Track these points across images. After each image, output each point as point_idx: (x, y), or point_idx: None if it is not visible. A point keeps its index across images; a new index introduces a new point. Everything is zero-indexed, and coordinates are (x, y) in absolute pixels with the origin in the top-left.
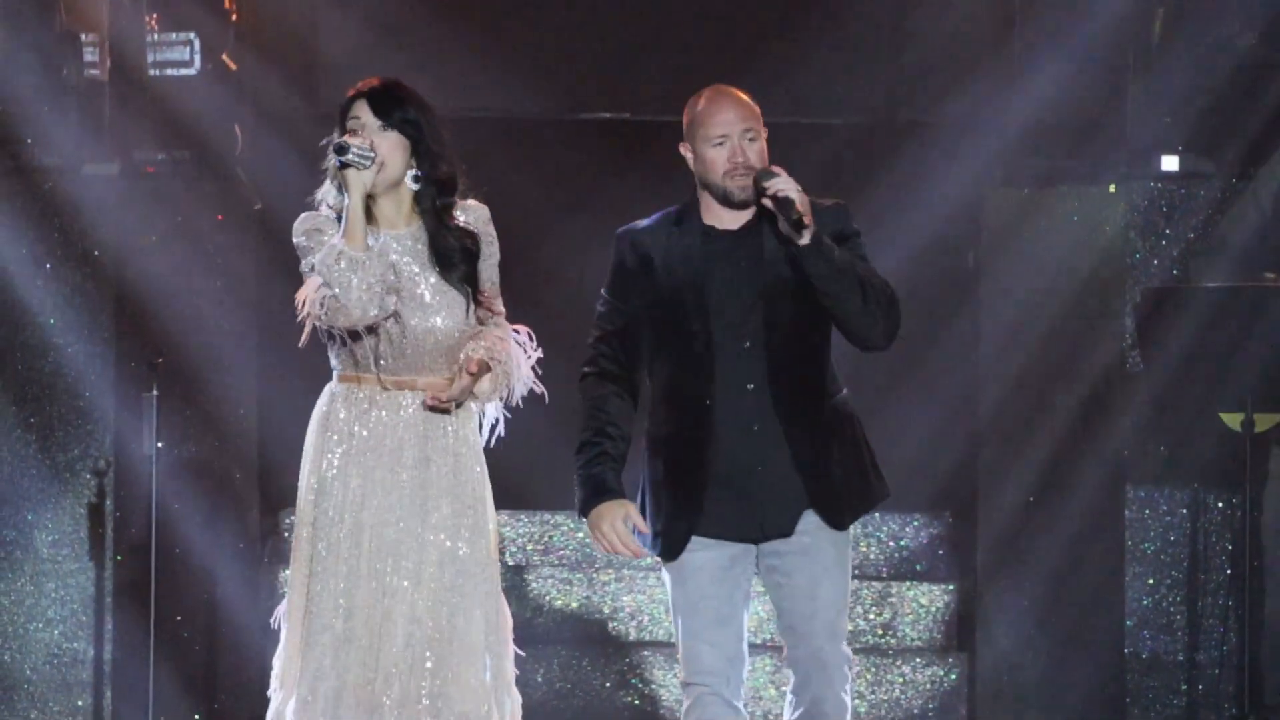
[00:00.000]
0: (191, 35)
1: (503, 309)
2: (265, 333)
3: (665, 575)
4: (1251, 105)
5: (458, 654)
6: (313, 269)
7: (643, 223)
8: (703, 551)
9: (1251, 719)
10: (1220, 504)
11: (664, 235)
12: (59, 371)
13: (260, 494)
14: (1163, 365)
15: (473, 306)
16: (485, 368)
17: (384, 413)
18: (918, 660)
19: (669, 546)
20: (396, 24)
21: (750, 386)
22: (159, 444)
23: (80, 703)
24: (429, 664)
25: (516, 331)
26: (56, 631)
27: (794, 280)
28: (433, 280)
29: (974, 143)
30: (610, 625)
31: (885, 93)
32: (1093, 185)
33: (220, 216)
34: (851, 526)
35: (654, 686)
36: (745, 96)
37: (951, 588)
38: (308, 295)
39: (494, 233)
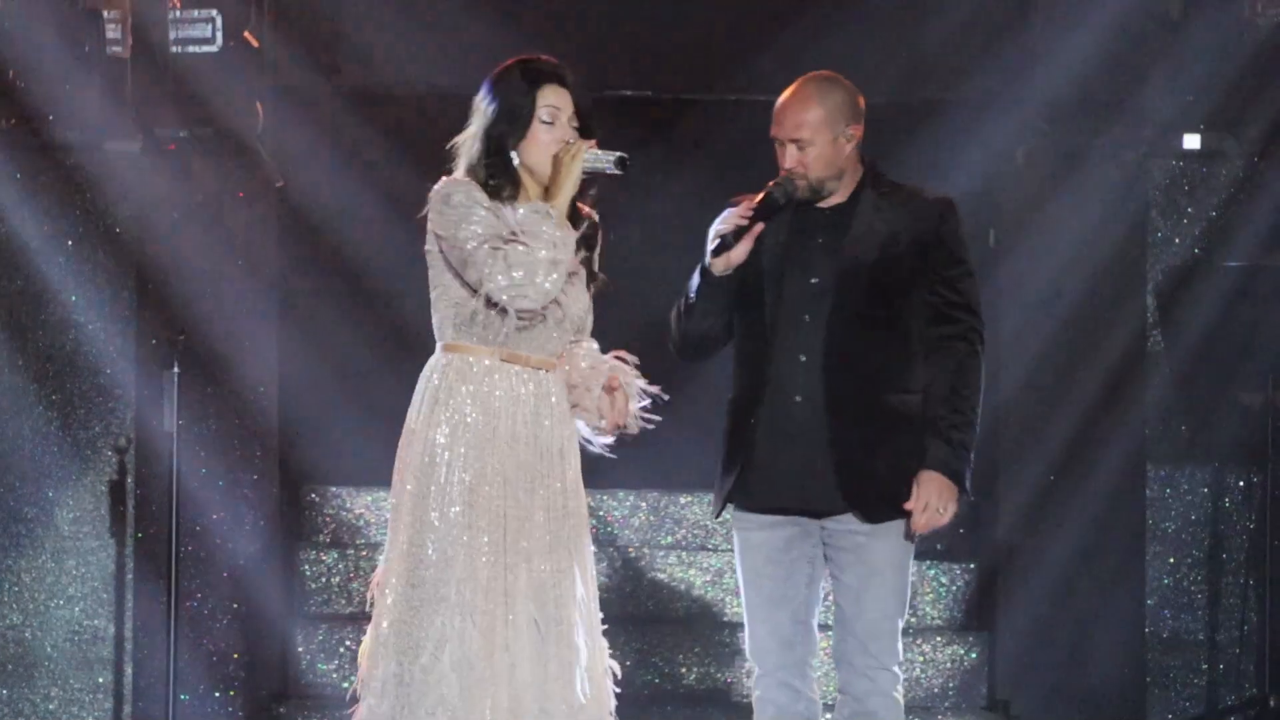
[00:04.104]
0: (214, 12)
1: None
2: (286, 309)
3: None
4: (1273, 83)
5: (561, 639)
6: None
7: None
8: (759, 532)
9: (1272, 698)
10: (1241, 483)
11: None
12: (80, 348)
13: (281, 471)
14: (1184, 344)
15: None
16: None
17: (499, 388)
18: (938, 639)
19: (718, 503)
20: (419, 1)
21: (802, 359)
22: (180, 421)
23: (101, 680)
24: (540, 646)
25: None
26: (77, 609)
27: (875, 267)
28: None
29: (994, 121)
30: (631, 603)
31: (905, 70)
32: (1114, 163)
33: (242, 194)
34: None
35: (675, 665)
36: (810, 100)
37: (972, 566)
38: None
39: None
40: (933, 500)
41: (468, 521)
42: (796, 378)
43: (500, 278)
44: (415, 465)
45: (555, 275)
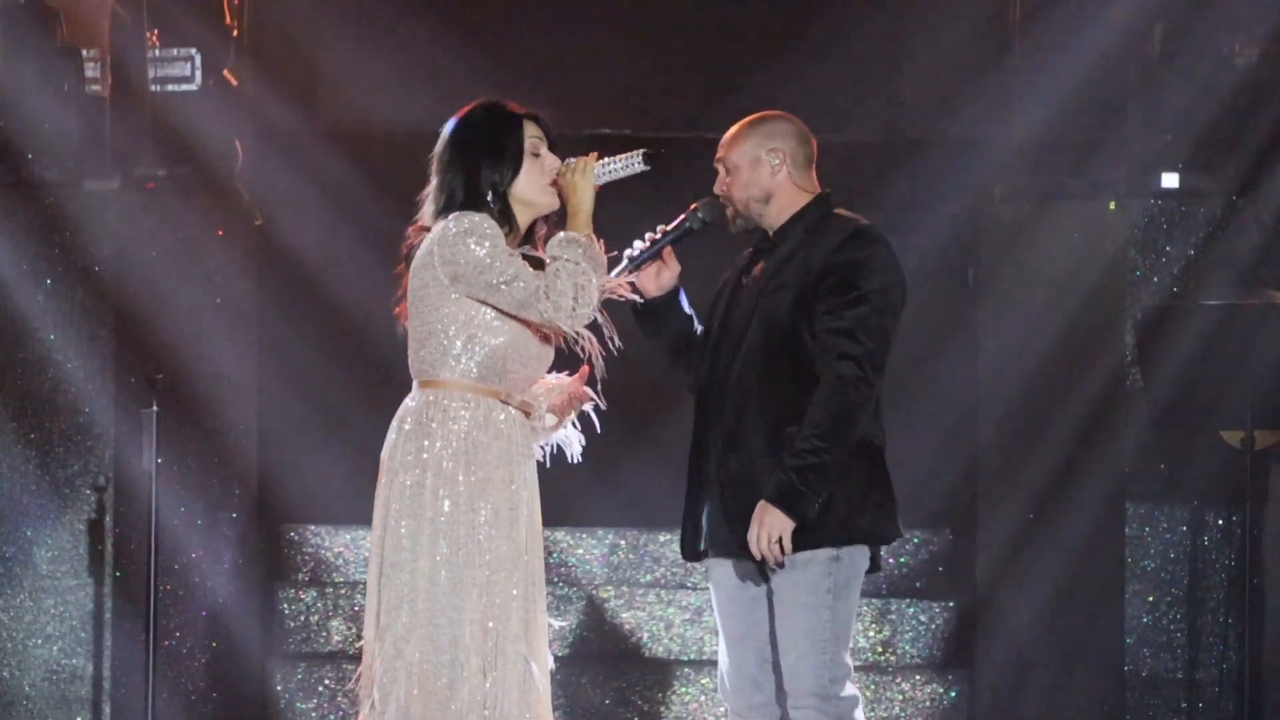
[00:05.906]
0: (193, 51)
1: None
2: (265, 348)
3: None
4: (1251, 122)
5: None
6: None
7: None
8: (719, 569)
9: None
10: (1220, 521)
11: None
12: (59, 387)
13: (260, 510)
14: (1163, 382)
15: None
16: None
17: (490, 425)
18: (917, 677)
19: (683, 547)
20: (398, 40)
21: (712, 399)
22: (158, 460)
23: (79, 719)
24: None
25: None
26: (55, 648)
27: (769, 300)
28: None
29: (974, 160)
30: (610, 641)
31: (885, 110)
32: (1093, 202)
33: (220, 232)
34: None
35: (654, 703)
36: (740, 126)
37: (951, 605)
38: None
39: None
40: (761, 530)
41: (477, 561)
42: (712, 419)
43: (567, 301)
44: (406, 504)
45: (596, 297)
